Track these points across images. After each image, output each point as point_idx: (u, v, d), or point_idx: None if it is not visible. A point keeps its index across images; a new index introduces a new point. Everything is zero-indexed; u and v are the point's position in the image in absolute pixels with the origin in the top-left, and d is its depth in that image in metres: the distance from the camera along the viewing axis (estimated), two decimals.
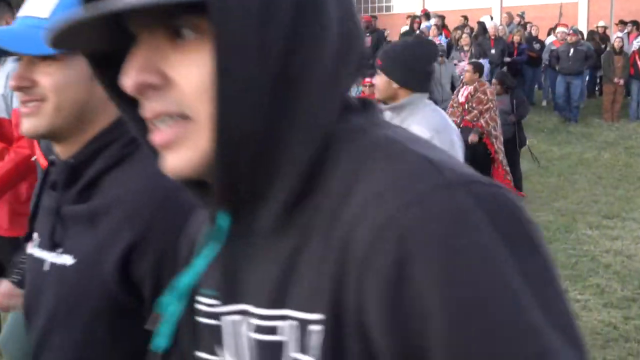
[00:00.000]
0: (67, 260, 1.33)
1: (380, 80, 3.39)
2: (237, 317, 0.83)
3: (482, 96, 9.37)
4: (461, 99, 9.56)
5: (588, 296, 6.08)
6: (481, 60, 13.73)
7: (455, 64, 13.08)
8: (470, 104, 9.39)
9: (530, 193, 10.82)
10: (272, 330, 0.77)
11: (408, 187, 0.68)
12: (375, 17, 17.98)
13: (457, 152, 3.18)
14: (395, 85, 3.33)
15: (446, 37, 16.89)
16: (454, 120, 9.35)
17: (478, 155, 9.21)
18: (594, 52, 16.16)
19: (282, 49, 0.73)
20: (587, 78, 16.70)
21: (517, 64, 15.93)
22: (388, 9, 48.23)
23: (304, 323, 0.73)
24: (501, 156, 9.36)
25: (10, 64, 3.59)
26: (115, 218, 1.29)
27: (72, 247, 1.34)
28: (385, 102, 3.39)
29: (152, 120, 0.79)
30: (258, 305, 0.79)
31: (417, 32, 16.10)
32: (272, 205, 0.77)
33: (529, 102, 17.04)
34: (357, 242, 0.69)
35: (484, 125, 9.29)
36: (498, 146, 9.39)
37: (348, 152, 0.75)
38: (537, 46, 16.97)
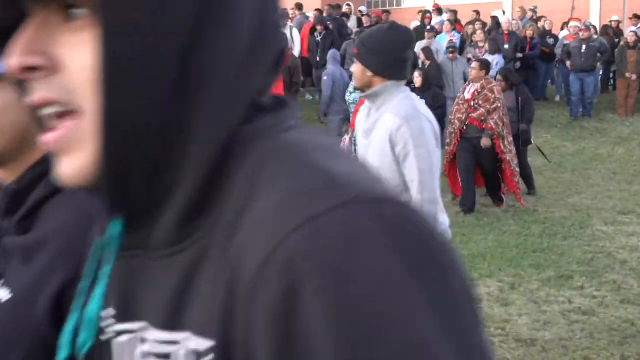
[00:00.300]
0: (5, 294, 1.25)
1: (356, 68, 3.40)
2: (129, 337, 0.73)
3: (490, 94, 9.21)
4: (467, 95, 9.37)
5: (605, 293, 6.09)
6: (495, 56, 13.70)
7: (469, 59, 13.02)
8: (476, 101, 9.23)
9: (544, 189, 10.81)
10: (165, 357, 0.68)
11: (300, 208, 0.60)
12: (387, 12, 17.90)
13: (427, 138, 3.16)
14: (369, 74, 3.32)
15: (459, 32, 16.82)
16: (458, 117, 9.27)
17: (486, 156, 9.17)
18: (607, 47, 16.07)
19: (182, 38, 0.66)
20: (600, 73, 16.60)
21: (530, 59, 15.88)
22: (399, 3, 48.12)
23: (197, 351, 0.65)
24: (509, 157, 9.26)
25: None
26: (50, 253, 1.21)
27: (10, 280, 1.26)
28: (362, 90, 3.40)
29: (41, 112, 0.70)
30: (154, 324, 0.70)
31: (428, 27, 16.03)
32: (168, 215, 0.68)
33: (542, 97, 17.03)
34: (245, 270, 0.61)
35: (493, 127, 9.11)
36: (506, 146, 9.28)
37: (250, 158, 0.67)
38: (550, 41, 16.86)
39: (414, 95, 3.36)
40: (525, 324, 5.35)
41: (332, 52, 12.24)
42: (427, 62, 13.10)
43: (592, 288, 6.20)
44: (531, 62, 16.00)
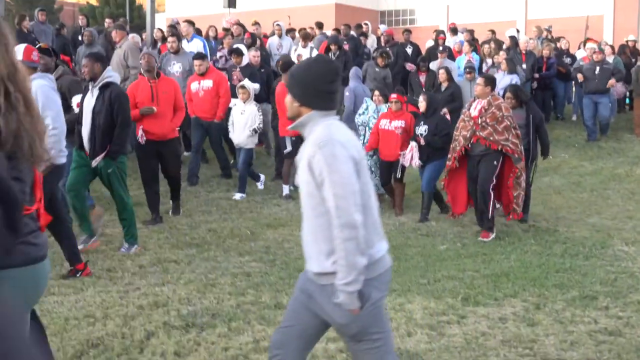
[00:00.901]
0: None
1: (287, 98, 3.50)
2: None
3: (497, 112, 8.93)
4: (474, 112, 9.09)
5: (630, 313, 6.11)
6: (513, 75, 13.72)
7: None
8: (483, 119, 8.94)
9: (563, 209, 10.84)
10: None
11: None
12: (409, 32, 17.89)
13: (341, 164, 3.20)
14: (296, 104, 3.42)
15: (477, 54, 16.62)
16: (463, 135, 9.06)
17: (484, 172, 8.88)
18: (621, 69, 16.02)
19: None
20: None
21: (547, 78, 15.92)
22: (412, 22, 48.45)
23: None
24: (517, 179, 8.94)
25: None
26: None
27: None
28: (292, 120, 3.50)
29: None
30: None
31: (440, 48, 16.00)
32: None
33: (559, 117, 17.08)
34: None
35: (513, 148, 8.82)
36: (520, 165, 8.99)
37: None
38: (567, 60, 16.94)
39: (337, 123, 3.43)
40: (553, 344, 5.38)
41: (354, 70, 12.42)
42: (445, 84, 13.06)
43: (617, 308, 6.22)
44: (548, 82, 16.05)
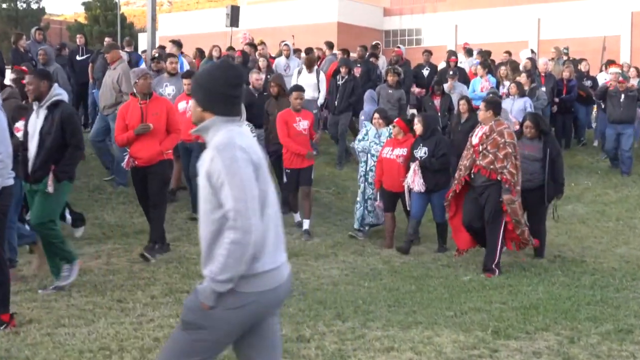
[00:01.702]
0: None
1: (191, 102, 3.68)
2: None
3: (499, 138, 8.74)
4: (475, 140, 8.97)
5: None
6: (526, 99, 13.75)
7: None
8: (484, 145, 8.80)
9: (589, 238, 10.95)
10: None
11: None
12: (429, 52, 18.02)
13: (240, 167, 3.33)
14: (199, 108, 3.57)
15: (494, 76, 16.41)
16: (464, 164, 8.96)
17: (490, 206, 8.75)
18: None
19: None
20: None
21: (568, 102, 16.07)
22: (418, 42, 48.83)
23: None
24: (511, 208, 8.72)
25: None
26: None
27: None
28: (196, 125, 3.62)
29: None
30: None
31: (451, 72, 15.84)
32: None
33: (581, 141, 17.21)
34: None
35: (508, 177, 8.65)
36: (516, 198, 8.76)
37: None
38: (588, 83, 17.11)
39: (240, 129, 3.55)
40: None
41: (369, 92, 12.56)
42: (466, 115, 12.38)
43: None
44: (569, 105, 16.20)
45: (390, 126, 10.55)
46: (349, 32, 44.30)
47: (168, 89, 11.95)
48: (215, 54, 16.61)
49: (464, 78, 16.34)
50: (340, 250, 9.75)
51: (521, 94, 13.74)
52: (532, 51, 21.08)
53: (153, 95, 9.16)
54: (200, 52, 17.62)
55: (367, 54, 17.12)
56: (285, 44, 16.03)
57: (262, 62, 15.18)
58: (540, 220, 9.73)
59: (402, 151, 10.13)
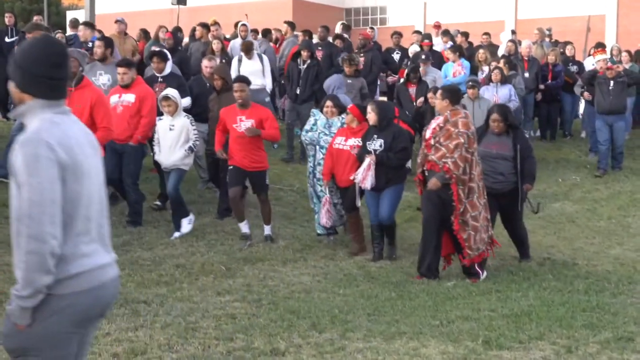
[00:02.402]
0: None
1: (10, 84, 3.58)
2: None
3: (452, 129, 8.66)
4: (427, 133, 8.91)
5: None
6: (508, 86, 13.91)
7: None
8: (437, 138, 8.73)
9: (580, 239, 11.24)
10: None
11: None
12: (399, 35, 18.08)
13: (43, 167, 3.32)
14: (17, 90, 3.54)
15: (467, 60, 16.43)
16: (418, 162, 8.90)
17: (445, 203, 8.73)
18: (637, 76, 16.21)
19: None
20: (631, 106, 16.67)
21: (554, 89, 16.38)
22: (383, 21, 49.14)
23: None
24: (464, 207, 8.68)
25: None
26: None
27: None
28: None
29: None
30: None
31: (423, 56, 15.77)
32: None
33: (568, 133, 17.54)
34: None
35: (451, 167, 8.55)
36: (467, 195, 8.70)
37: None
38: (574, 68, 17.38)
39: (56, 117, 3.50)
40: None
41: (336, 78, 12.50)
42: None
43: None
44: (554, 93, 16.51)
45: (343, 114, 10.40)
46: (305, 10, 44.37)
47: (102, 78, 11.73)
48: (161, 35, 16.58)
49: (439, 63, 16.47)
50: (309, 254, 9.87)
51: (504, 80, 14.00)
52: (514, 32, 21.38)
53: (82, 82, 8.92)
54: (144, 33, 17.57)
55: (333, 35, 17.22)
56: (243, 24, 16.02)
57: (216, 45, 15.23)
58: (517, 223, 9.86)
59: (356, 141, 9.93)
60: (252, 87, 14.33)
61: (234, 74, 14.61)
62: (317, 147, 10.50)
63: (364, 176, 9.53)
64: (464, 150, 8.60)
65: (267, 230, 10.45)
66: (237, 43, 15.95)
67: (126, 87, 10.58)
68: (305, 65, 14.60)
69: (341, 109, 10.53)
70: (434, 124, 8.91)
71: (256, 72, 14.54)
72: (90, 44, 13.30)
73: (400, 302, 7.89)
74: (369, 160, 9.51)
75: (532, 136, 16.62)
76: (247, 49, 14.83)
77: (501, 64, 14.82)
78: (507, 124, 9.53)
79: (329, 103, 10.62)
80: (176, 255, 9.47)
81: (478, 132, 9.39)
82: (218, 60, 14.90)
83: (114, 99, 10.53)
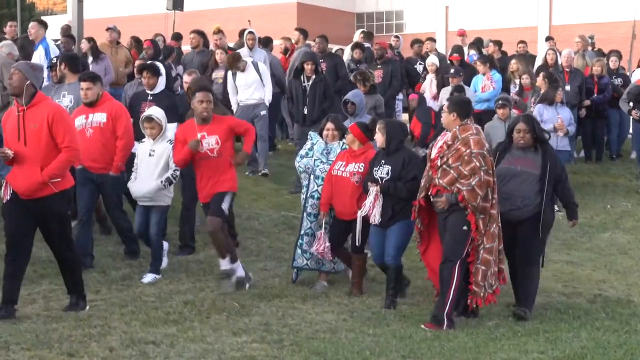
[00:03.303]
0: None
1: None
2: None
3: (463, 149, 8.46)
4: (433, 152, 8.74)
5: None
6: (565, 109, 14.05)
7: (531, 112, 13.23)
8: (444, 159, 8.54)
9: (635, 273, 11.35)
10: None
11: None
12: (419, 42, 18.31)
13: None
14: None
15: (499, 72, 16.52)
16: (422, 185, 8.67)
17: (455, 228, 8.54)
18: None
19: None
20: None
21: (600, 104, 16.54)
22: (399, 28, 49.40)
23: None
24: (480, 238, 8.55)
25: None
26: None
27: None
28: None
29: None
30: None
31: (452, 70, 15.70)
32: None
33: (616, 154, 17.57)
34: None
35: (466, 197, 8.37)
36: (485, 224, 8.53)
37: None
38: (618, 81, 17.52)
39: None
40: None
41: (356, 94, 12.44)
42: None
43: None
44: (601, 109, 16.63)
45: (344, 138, 10.12)
46: (312, 15, 44.77)
47: (65, 100, 11.44)
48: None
49: (470, 78, 16.31)
50: (331, 290, 9.97)
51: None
52: (549, 38, 21.50)
53: (35, 98, 8.35)
54: (136, 42, 17.80)
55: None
56: (250, 32, 16.01)
57: (219, 55, 15.41)
58: (530, 260, 9.21)
59: (357, 167, 9.69)
60: (248, 101, 14.74)
61: (230, 90, 14.88)
62: (312, 176, 10.23)
63: (371, 209, 9.29)
64: (484, 173, 8.38)
65: (223, 265, 9.74)
66: (243, 53, 15.99)
67: (91, 106, 10.33)
68: (310, 82, 14.44)
69: (343, 133, 10.24)
70: (440, 141, 8.74)
71: (254, 82, 14.65)
72: (55, 60, 13.02)
73: (438, 343, 8.00)
74: (373, 190, 9.27)
75: (575, 157, 16.76)
76: (233, 63, 14.65)
77: (540, 79, 14.88)
78: (534, 137, 9.09)
79: (329, 125, 10.28)
80: (183, 290, 9.61)
81: (499, 148, 9.29)
82: (223, 73, 15.16)
83: (79, 121, 10.27)
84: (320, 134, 10.39)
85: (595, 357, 7.56)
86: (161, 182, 10.05)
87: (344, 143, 10.08)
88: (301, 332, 8.30)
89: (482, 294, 8.69)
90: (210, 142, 9.59)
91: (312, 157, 10.27)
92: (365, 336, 8.27)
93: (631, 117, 16.63)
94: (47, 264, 10.02)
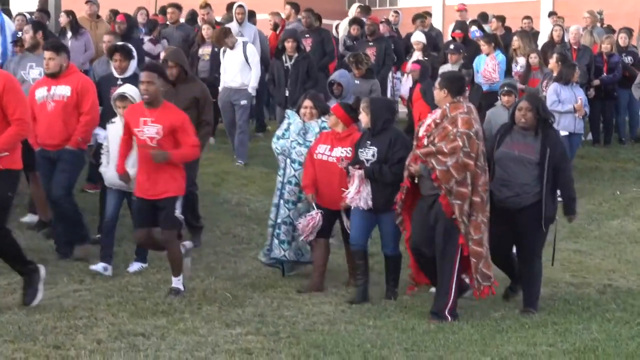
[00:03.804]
0: None
1: None
2: None
3: (450, 127, 8.45)
4: (421, 131, 8.74)
5: None
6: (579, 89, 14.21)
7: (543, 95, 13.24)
8: (431, 138, 8.53)
9: None
10: None
11: None
12: (422, 17, 18.29)
13: None
14: None
15: (502, 52, 16.65)
16: (406, 165, 8.67)
17: (441, 221, 8.59)
18: None
19: None
20: None
21: (610, 84, 16.61)
22: (393, 2, 49.28)
23: None
24: (465, 228, 8.53)
25: None
26: None
27: None
28: None
29: None
30: None
31: (452, 47, 15.81)
32: None
33: (629, 137, 17.61)
34: None
35: (439, 177, 8.36)
36: (465, 212, 8.50)
37: None
38: (628, 59, 17.56)
39: None
40: None
41: (342, 74, 12.30)
42: None
43: None
44: (610, 89, 16.75)
45: (324, 117, 10.02)
46: None
47: (33, 72, 11.45)
48: (140, 19, 16.84)
49: (474, 56, 16.32)
50: (328, 280, 10.05)
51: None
52: (552, 13, 21.51)
53: None
54: (115, 15, 17.66)
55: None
56: (240, 6, 15.96)
57: (206, 31, 15.44)
58: (533, 254, 9.18)
59: (344, 151, 9.53)
60: (230, 84, 14.59)
61: (222, 69, 14.84)
62: (288, 160, 10.09)
63: (356, 192, 9.16)
64: (463, 155, 8.34)
65: (174, 283, 9.27)
66: (232, 28, 15.95)
67: (54, 77, 10.13)
68: (292, 61, 14.48)
69: (323, 111, 10.08)
70: (429, 119, 8.74)
71: (238, 65, 14.51)
72: (20, 33, 12.99)
73: (442, 335, 8.11)
74: (357, 173, 9.12)
75: (582, 140, 16.83)
76: (220, 38, 14.56)
77: (553, 60, 14.87)
78: (537, 117, 8.96)
79: (307, 103, 10.07)
80: (171, 280, 9.69)
81: (500, 131, 9.21)
82: (210, 49, 15.19)
83: (41, 92, 10.19)
84: (298, 112, 10.23)
85: (607, 349, 7.66)
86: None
87: (323, 121, 9.95)
88: (298, 323, 8.41)
89: (476, 286, 8.77)
90: (150, 130, 9.00)
91: (289, 138, 10.12)
92: (365, 328, 8.38)
93: None
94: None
